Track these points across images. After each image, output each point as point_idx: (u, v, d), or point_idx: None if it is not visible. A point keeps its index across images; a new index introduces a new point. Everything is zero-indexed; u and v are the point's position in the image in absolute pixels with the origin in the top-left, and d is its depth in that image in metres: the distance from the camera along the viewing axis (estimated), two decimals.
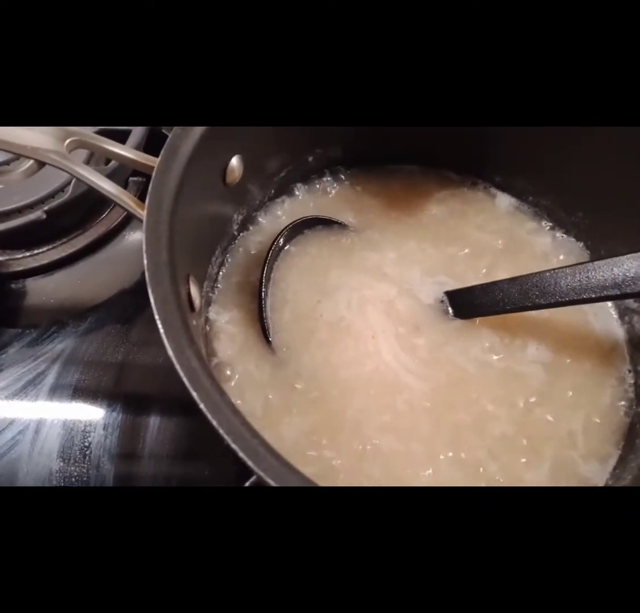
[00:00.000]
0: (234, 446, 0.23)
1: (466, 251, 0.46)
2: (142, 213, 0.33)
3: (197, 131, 0.33)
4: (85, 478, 0.47)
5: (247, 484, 0.43)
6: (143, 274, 0.55)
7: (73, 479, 0.46)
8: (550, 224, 0.47)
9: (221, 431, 0.23)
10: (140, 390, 0.51)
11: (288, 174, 0.46)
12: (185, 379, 0.24)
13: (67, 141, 0.33)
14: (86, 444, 0.48)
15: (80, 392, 0.50)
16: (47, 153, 0.32)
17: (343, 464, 0.37)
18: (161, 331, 0.25)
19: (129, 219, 0.59)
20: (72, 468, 0.47)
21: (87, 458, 0.47)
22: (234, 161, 0.39)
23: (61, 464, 0.47)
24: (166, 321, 0.26)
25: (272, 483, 0.22)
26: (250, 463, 0.23)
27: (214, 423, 0.23)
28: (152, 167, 0.35)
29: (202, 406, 0.24)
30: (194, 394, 0.24)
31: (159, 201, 0.30)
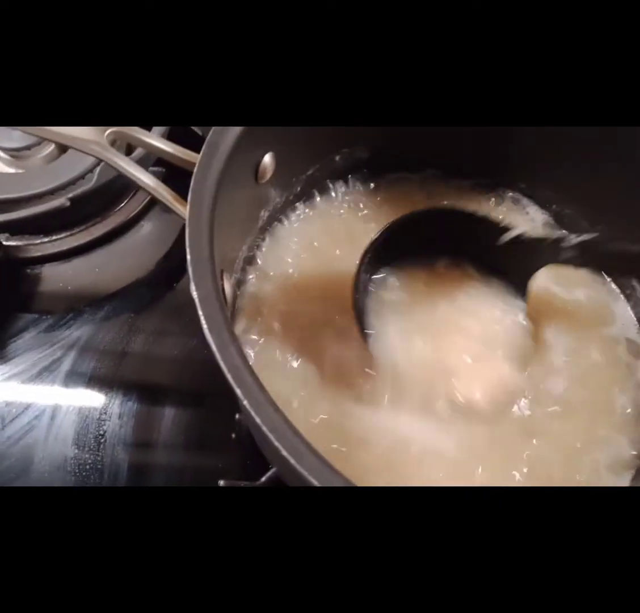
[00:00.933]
0: (276, 444, 0.23)
1: None
2: (179, 207, 0.33)
3: (236, 128, 0.34)
4: (99, 466, 0.47)
5: (263, 479, 0.43)
6: (158, 264, 0.57)
7: (87, 466, 0.47)
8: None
9: (265, 429, 0.24)
10: (155, 380, 0.51)
11: (315, 173, 0.47)
12: (229, 377, 0.25)
13: (107, 132, 0.33)
14: (101, 432, 0.48)
15: (96, 380, 0.51)
16: (88, 144, 0.32)
17: None
18: (205, 327, 0.26)
19: (147, 210, 0.59)
20: (87, 456, 0.47)
21: (101, 446, 0.48)
22: (267, 158, 0.39)
23: (76, 451, 0.47)
24: (210, 317, 0.26)
25: (315, 483, 0.23)
26: (292, 461, 0.23)
27: (258, 420, 0.24)
28: (187, 161, 0.35)
29: (245, 403, 0.24)
30: (238, 391, 0.24)
31: (201, 197, 0.30)
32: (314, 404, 0.39)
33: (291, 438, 0.24)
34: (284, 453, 0.23)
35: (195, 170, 0.31)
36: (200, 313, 0.26)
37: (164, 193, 0.33)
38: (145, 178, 0.33)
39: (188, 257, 0.28)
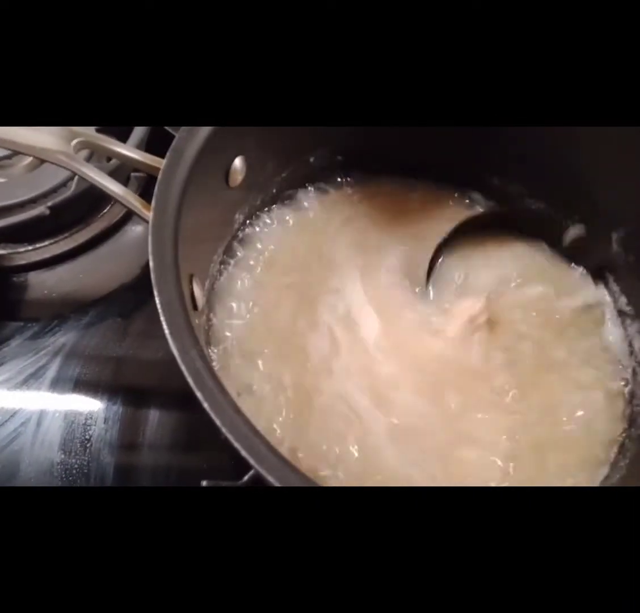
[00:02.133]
0: (236, 444, 0.24)
1: None
2: (148, 214, 0.33)
3: (203, 133, 0.34)
4: (85, 470, 0.47)
5: (245, 478, 0.44)
6: (143, 269, 0.58)
7: (74, 471, 0.47)
8: None
9: (224, 430, 0.24)
10: (140, 383, 0.52)
11: (289, 175, 0.47)
12: (189, 379, 0.25)
13: (74, 142, 0.34)
14: (87, 437, 0.49)
15: (81, 385, 0.51)
16: (55, 154, 0.33)
17: None
18: (166, 332, 0.26)
19: (130, 215, 0.60)
20: (73, 461, 0.48)
21: (87, 450, 0.48)
22: (237, 161, 0.39)
23: (62, 456, 0.48)
24: (171, 322, 0.26)
25: (274, 482, 0.23)
26: (252, 461, 0.23)
27: (218, 422, 0.24)
28: (157, 168, 0.36)
29: (205, 405, 0.25)
30: (199, 394, 0.25)
31: (165, 203, 0.31)
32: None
33: (251, 439, 0.24)
34: (244, 453, 0.24)
35: (159, 176, 0.31)
36: (162, 318, 0.27)
37: (132, 201, 0.33)
38: (113, 186, 0.34)
39: (151, 263, 0.28)
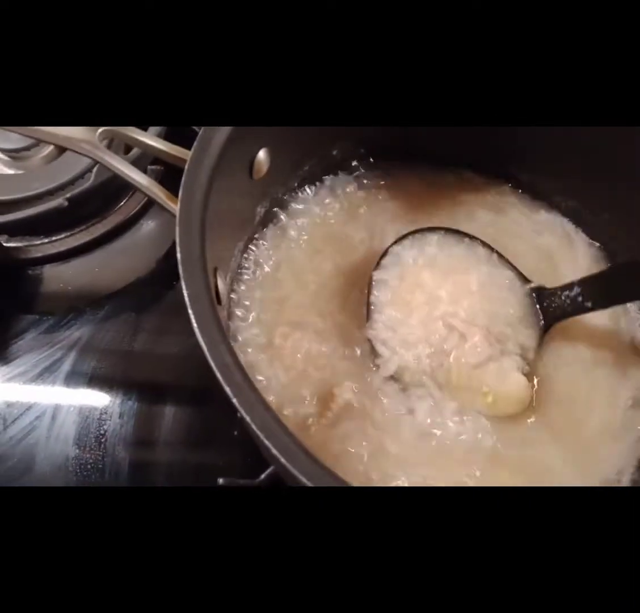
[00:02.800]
0: (267, 442, 0.23)
1: None
2: (172, 206, 0.33)
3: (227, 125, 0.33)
4: (100, 465, 0.47)
5: (263, 476, 0.43)
6: (159, 263, 0.57)
7: (89, 466, 0.47)
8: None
9: (254, 427, 0.23)
10: (155, 378, 0.51)
11: (312, 168, 0.46)
12: (218, 375, 0.24)
13: (99, 131, 0.33)
14: (102, 432, 0.48)
15: (96, 380, 0.51)
16: (80, 143, 0.32)
17: None
18: (194, 326, 0.26)
19: (146, 208, 0.59)
20: (88, 456, 0.47)
21: (102, 445, 0.48)
22: (262, 154, 0.39)
23: (77, 451, 0.47)
24: (199, 315, 0.26)
25: (306, 482, 0.23)
26: (283, 459, 0.23)
27: (248, 418, 0.23)
28: (180, 158, 0.35)
29: (235, 401, 0.24)
30: (228, 389, 0.24)
31: (191, 194, 0.30)
32: None
33: (282, 437, 0.24)
34: (274, 451, 0.23)
35: (186, 167, 0.31)
36: (190, 311, 0.26)
37: (157, 191, 0.33)
38: (138, 177, 0.33)
39: (178, 256, 0.28)
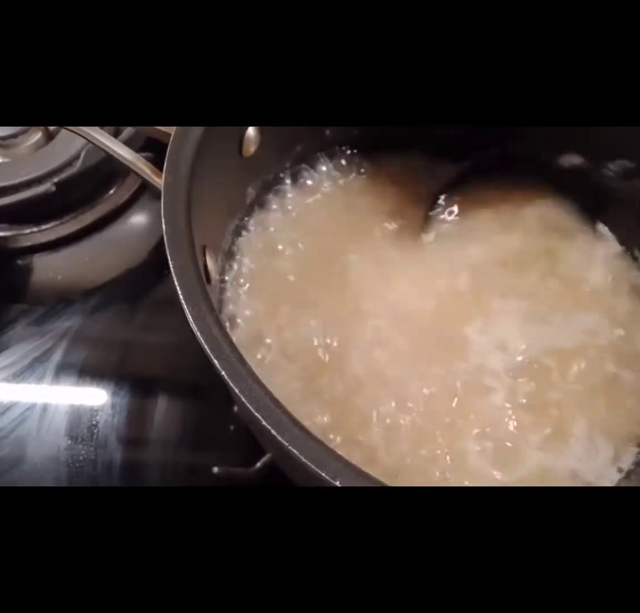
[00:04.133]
0: (257, 414, 0.22)
1: None
2: (158, 181, 0.32)
3: None
4: (92, 457, 0.46)
5: (259, 464, 0.42)
6: (150, 253, 0.56)
7: (81, 457, 0.46)
8: None
9: (243, 399, 0.22)
10: (147, 369, 0.50)
11: (303, 149, 0.45)
12: (205, 347, 0.23)
13: None
14: (94, 423, 0.47)
15: (88, 370, 0.50)
16: None
17: None
18: (180, 297, 0.25)
19: (136, 197, 0.58)
20: (80, 447, 0.46)
21: (94, 437, 0.47)
22: (251, 130, 0.38)
23: (69, 441, 0.46)
24: (186, 286, 0.25)
25: (298, 454, 0.22)
26: (274, 431, 0.22)
27: (236, 390, 0.22)
28: (169, 135, 0.34)
29: (223, 374, 0.23)
30: (215, 362, 0.23)
31: (177, 165, 0.29)
32: None
33: (273, 409, 0.23)
34: (264, 423, 0.22)
35: (172, 137, 0.30)
36: (176, 283, 0.25)
37: (142, 166, 0.32)
38: (124, 152, 0.32)
39: (163, 227, 0.27)
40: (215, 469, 0.43)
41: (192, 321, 0.24)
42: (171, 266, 0.25)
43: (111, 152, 0.33)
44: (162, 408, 0.48)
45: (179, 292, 0.25)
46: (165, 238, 0.26)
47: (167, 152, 0.29)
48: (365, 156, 0.48)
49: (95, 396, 0.48)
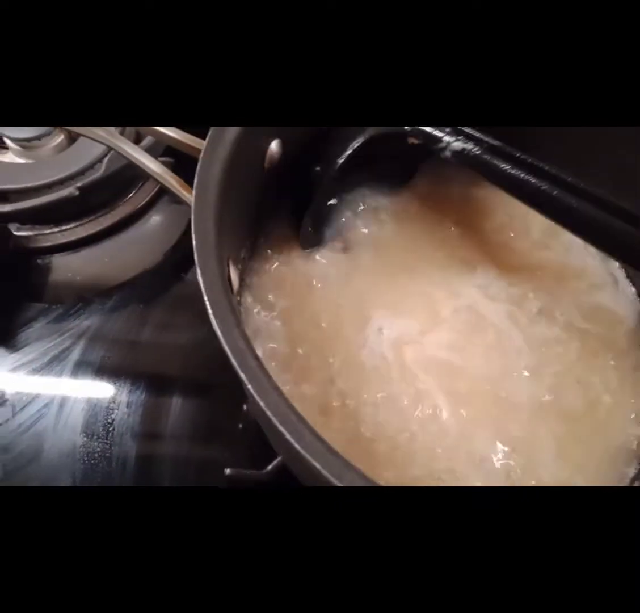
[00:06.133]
0: (281, 428, 0.23)
1: None
2: (186, 195, 0.33)
3: None
4: (107, 454, 0.47)
5: (270, 467, 0.43)
6: (166, 255, 0.58)
7: (96, 454, 0.47)
8: None
9: (269, 413, 0.24)
10: (163, 368, 0.52)
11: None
12: (233, 360, 0.25)
13: None
14: (109, 421, 0.48)
15: (105, 369, 0.51)
16: (96, 130, 0.32)
17: None
18: (209, 311, 0.26)
19: (155, 200, 0.60)
20: (95, 444, 0.47)
21: (110, 434, 0.48)
22: (274, 145, 0.39)
23: (85, 439, 0.48)
24: (214, 302, 0.26)
25: (318, 466, 0.23)
26: (297, 446, 0.23)
27: (262, 404, 0.24)
28: (195, 148, 0.35)
29: (249, 387, 0.24)
30: (242, 375, 0.24)
31: (207, 182, 0.30)
32: None
33: (295, 423, 0.24)
34: (288, 436, 0.23)
35: (201, 155, 0.31)
36: (205, 297, 0.26)
37: (171, 180, 0.33)
38: (153, 165, 0.33)
39: (194, 242, 0.28)
40: (228, 470, 0.44)
41: (220, 335, 0.25)
42: (200, 281, 0.26)
43: (140, 164, 0.34)
44: (176, 406, 0.49)
45: (208, 306, 0.26)
46: (195, 253, 0.27)
47: (197, 169, 0.30)
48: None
49: (111, 394, 0.50)
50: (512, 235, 0.47)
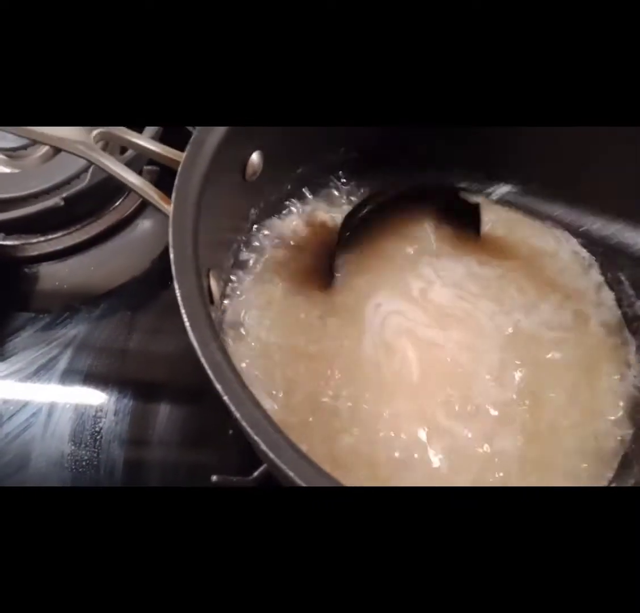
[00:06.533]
0: (256, 438, 0.24)
1: None
2: (166, 207, 0.33)
3: (222, 127, 0.34)
4: (95, 463, 0.47)
5: (256, 473, 0.44)
6: (153, 263, 0.58)
7: (84, 463, 0.47)
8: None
9: (244, 423, 0.24)
10: (150, 377, 0.52)
11: (305, 171, 0.47)
12: (209, 373, 0.25)
13: (94, 132, 0.34)
14: (97, 429, 0.49)
15: (92, 378, 0.51)
16: (74, 144, 0.32)
17: None
18: (187, 325, 0.26)
19: (141, 209, 0.60)
20: (83, 452, 0.48)
21: (97, 443, 0.48)
22: (255, 156, 0.39)
23: (72, 447, 0.48)
24: (192, 315, 0.26)
25: (294, 478, 0.23)
26: (272, 455, 0.23)
27: (238, 415, 0.24)
28: (174, 160, 0.36)
29: (226, 398, 0.25)
30: (218, 387, 0.25)
31: (185, 196, 0.30)
32: None
33: (271, 434, 0.24)
34: (264, 447, 0.24)
35: (179, 169, 0.31)
36: (182, 310, 0.27)
37: (151, 192, 0.33)
38: (132, 178, 0.34)
39: (171, 256, 0.28)
40: (214, 478, 0.44)
41: (197, 349, 0.26)
42: (178, 294, 0.27)
43: (120, 178, 0.34)
44: (163, 413, 0.49)
45: (185, 321, 0.26)
46: (172, 267, 0.28)
47: (176, 183, 0.31)
48: (368, 177, 0.49)
49: (98, 403, 0.50)
50: None
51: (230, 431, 0.48)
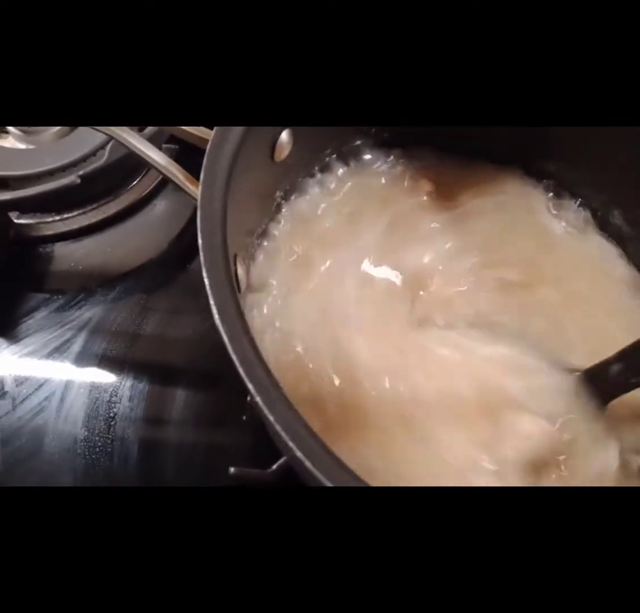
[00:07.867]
0: (291, 444, 0.22)
1: None
2: (191, 187, 0.32)
3: None
4: (109, 449, 0.46)
5: (274, 467, 0.43)
6: (171, 244, 0.56)
7: (97, 449, 0.46)
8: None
9: (278, 427, 0.22)
10: (166, 361, 0.51)
11: (333, 151, 0.45)
12: (240, 370, 0.23)
13: None
14: (111, 414, 0.48)
15: (107, 361, 0.50)
16: None
17: None
18: (216, 318, 0.24)
19: (159, 188, 0.58)
20: (97, 438, 0.47)
21: (111, 428, 0.47)
22: (284, 135, 0.37)
23: (86, 433, 0.47)
24: (221, 307, 0.25)
25: (329, 484, 0.22)
26: (308, 463, 0.22)
27: (271, 418, 0.23)
28: (201, 138, 0.34)
29: (258, 399, 0.23)
30: (250, 386, 0.23)
31: (214, 177, 0.29)
32: None
33: (306, 438, 0.23)
34: (299, 454, 0.22)
35: (208, 148, 0.29)
36: (211, 302, 0.25)
37: (176, 172, 0.31)
38: (156, 156, 0.32)
39: (200, 243, 0.26)
40: (232, 469, 0.43)
41: (228, 344, 0.24)
42: (207, 284, 0.25)
43: (142, 155, 0.32)
44: (179, 398, 0.48)
45: (215, 312, 0.25)
46: (201, 256, 0.26)
47: (204, 164, 0.29)
48: (395, 161, 0.47)
49: (113, 388, 0.49)
50: None
51: (244, 417, 0.47)
